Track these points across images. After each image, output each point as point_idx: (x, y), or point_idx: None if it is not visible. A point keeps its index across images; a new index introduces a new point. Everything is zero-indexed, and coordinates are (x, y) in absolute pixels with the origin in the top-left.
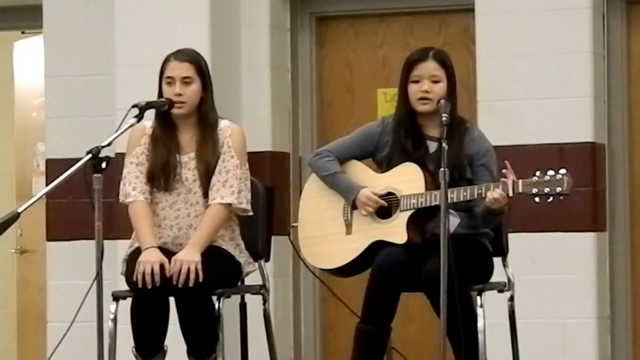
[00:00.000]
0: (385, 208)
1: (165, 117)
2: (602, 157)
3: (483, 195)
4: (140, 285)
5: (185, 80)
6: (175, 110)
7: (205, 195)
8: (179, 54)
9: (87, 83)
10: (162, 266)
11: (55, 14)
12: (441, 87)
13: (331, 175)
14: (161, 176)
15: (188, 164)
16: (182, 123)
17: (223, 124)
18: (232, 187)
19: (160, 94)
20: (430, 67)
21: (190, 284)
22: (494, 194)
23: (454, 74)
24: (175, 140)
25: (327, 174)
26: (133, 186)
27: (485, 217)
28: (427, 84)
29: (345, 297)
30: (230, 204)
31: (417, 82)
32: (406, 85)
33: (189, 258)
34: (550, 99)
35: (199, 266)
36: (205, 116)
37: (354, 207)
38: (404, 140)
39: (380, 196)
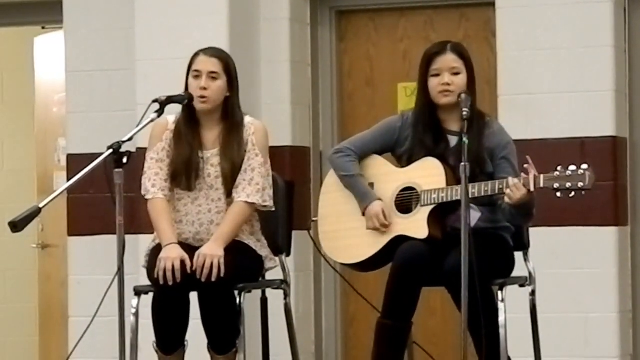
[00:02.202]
0: (406, 203)
1: (189, 113)
2: (623, 151)
3: (504, 190)
4: (161, 282)
5: (212, 75)
6: (198, 105)
7: (228, 193)
8: (209, 50)
9: (108, 78)
10: (183, 262)
11: (75, 9)
12: (461, 79)
13: (349, 177)
14: (183, 176)
15: (211, 160)
16: (206, 119)
17: (246, 120)
18: (257, 185)
19: (186, 90)
20: (449, 59)
21: (213, 279)
22: (508, 183)
23: (472, 67)
24: (198, 136)
25: (345, 175)
26: (152, 183)
27: (511, 212)
28: (448, 76)
29: (366, 291)
30: (254, 203)
31: (437, 75)
32: (426, 80)
33: (212, 252)
34: (571, 93)
35: (222, 260)
36: (230, 115)
37: (363, 214)
38: (424, 135)
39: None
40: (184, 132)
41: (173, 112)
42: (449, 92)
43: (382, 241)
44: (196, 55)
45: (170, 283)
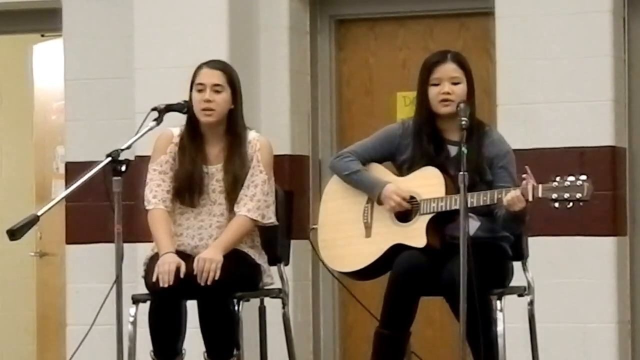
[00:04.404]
0: (405, 211)
1: (193, 127)
2: (622, 161)
3: (503, 200)
4: (160, 284)
5: (216, 88)
6: (203, 119)
7: (231, 207)
8: (211, 63)
9: (107, 86)
10: (178, 269)
11: (74, 17)
12: (461, 89)
13: (354, 173)
14: (186, 192)
15: (215, 175)
16: (210, 134)
17: (251, 135)
18: (259, 201)
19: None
20: (449, 68)
21: (209, 282)
22: (507, 196)
23: (472, 76)
24: (203, 151)
25: (349, 173)
26: (154, 194)
27: (506, 220)
28: (448, 85)
29: (364, 300)
30: (254, 219)
31: (437, 84)
32: (426, 89)
33: (212, 257)
34: (570, 103)
35: (219, 265)
36: (234, 128)
37: (379, 202)
38: (425, 144)
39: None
40: (188, 147)
41: (174, 122)
42: (449, 101)
43: (380, 250)
44: (199, 68)
45: (165, 285)
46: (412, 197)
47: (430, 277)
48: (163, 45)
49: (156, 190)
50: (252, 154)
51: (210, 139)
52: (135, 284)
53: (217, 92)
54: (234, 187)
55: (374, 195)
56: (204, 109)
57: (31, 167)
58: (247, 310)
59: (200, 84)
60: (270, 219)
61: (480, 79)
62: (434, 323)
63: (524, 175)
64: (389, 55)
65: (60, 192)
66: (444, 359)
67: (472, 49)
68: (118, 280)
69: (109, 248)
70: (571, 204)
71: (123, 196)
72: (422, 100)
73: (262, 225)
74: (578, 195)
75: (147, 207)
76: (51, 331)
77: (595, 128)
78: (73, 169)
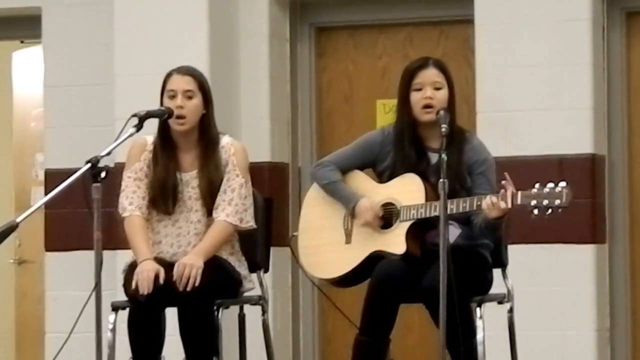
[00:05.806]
0: (386, 218)
1: (165, 135)
2: (602, 169)
3: (482, 207)
4: (140, 292)
5: (187, 94)
6: (176, 127)
7: (208, 213)
8: (182, 69)
9: (86, 93)
10: (157, 276)
11: (54, 24)
12: (443, 94)
13: (331, 184)
14: (161, 200)
15: (190, 182)
16: (183, 141)
17: (225, 140)
18: (236, 206)
19: None
20: (431, 73)
21: (189, 288)
22: (486, 200)
23: (453, 83)
24: (176, 159)
25: (327, 182)
26: (130, 201)
27: (483, 228)
28: (430, 90)
29: (344, 308)
30: (233, 224)
31: (419, 89)
32: (407, 95)
33: (192, 262)
34: (550, 111)
35: (200, 272)
36: (207, 134)
37: (353, 215)
38: (406, 151)
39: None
40: (161, 155)
41: (152, 129)
42: (431, 107)
43: (360, 256)
44: (169, 75)
45: (144, 292)
46: (391, 204)
47: (410, 284)
48: (143, 52)
49: (132, 197)
50: (226, 158)
51: (184, 146)
52: (115, 291)
53: (189, 97)
54: (209, 193)
55: (348, 208)
56: (176, 117)
57: (10, 174)
58: (227, 317)
59: (172, 90)
60: (249, 222)
61: (460, 87)
62: (414, 330)
63: (503, 182)
64: (368, 62)
65: (39, 199)
66: None
67: (451, 56)
68: (97, 288)
69: (88, 255)
70: (550, 210)
71: (102, 203)
72: (404, 107)
73: (241, 230)
74: (557, 202)
75: (123, 215)
76: (30, 339)
77: (575, 136)
78: (52, 176)
